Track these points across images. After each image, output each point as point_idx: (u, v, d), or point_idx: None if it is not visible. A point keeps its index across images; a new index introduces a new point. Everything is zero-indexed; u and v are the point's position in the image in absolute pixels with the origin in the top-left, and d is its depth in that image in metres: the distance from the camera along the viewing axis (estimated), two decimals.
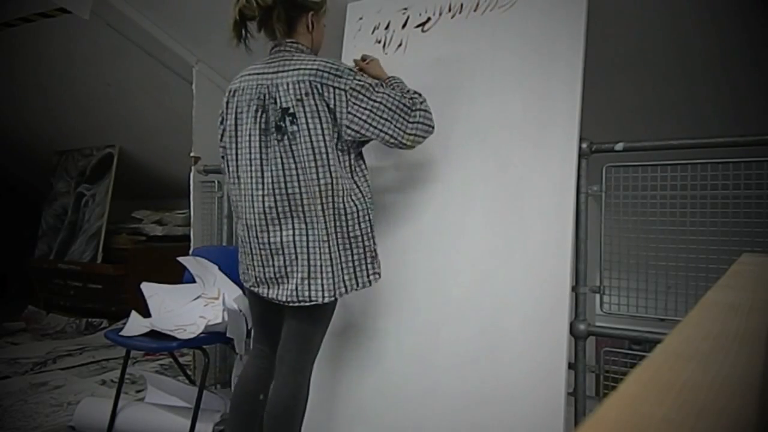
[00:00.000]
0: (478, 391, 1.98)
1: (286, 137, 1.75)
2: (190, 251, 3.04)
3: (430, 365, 2.09)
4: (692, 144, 1.97)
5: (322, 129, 1.74)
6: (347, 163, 1.82)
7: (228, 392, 2.80)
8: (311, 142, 1.73)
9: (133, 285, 2.95)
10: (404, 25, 2.38)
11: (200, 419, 2.43)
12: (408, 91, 1.93)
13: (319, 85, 1.73)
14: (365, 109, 1.76)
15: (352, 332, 2.24)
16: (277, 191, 1.78)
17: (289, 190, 1.77)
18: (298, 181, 1.76)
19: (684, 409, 0.35)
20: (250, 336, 2.62)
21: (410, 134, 1.83)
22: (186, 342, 2.40)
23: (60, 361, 4.02)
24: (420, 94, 1.91)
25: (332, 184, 1.76)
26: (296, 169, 1.76)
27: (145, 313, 2.62)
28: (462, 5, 2.25)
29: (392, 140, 1.82)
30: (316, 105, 1.73)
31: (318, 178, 1.75)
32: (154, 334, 2.45)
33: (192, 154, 3.22)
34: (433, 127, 1.89)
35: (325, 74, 1.74)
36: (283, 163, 1.77)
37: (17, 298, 5.72)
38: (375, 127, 1.77)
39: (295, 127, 1.74)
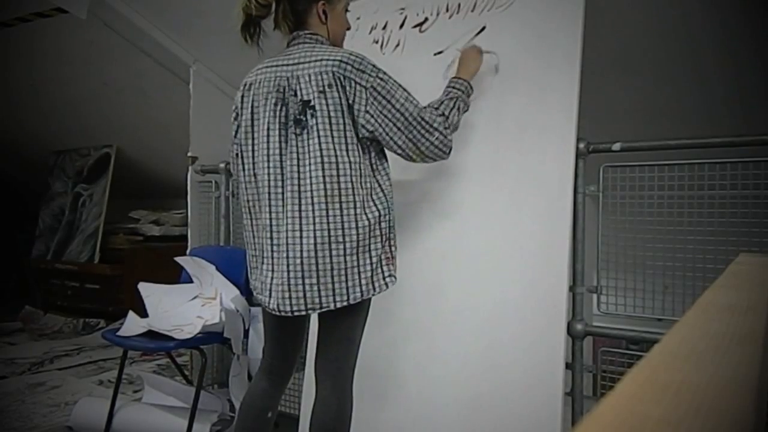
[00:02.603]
0: (475, 391, 1.98)
1: (305, 131, 1.64)
2: (188, 251, 3.03)
3: (427, 364, 2.09)
4: (689, 144, 1.97)
5: (345, 123, 1.64)
6: (369, 161, 1.72)
7: (225, 392, 2.80)
8: (332, 137, 1.63)
9: (130, 285, 2.95)
10: (402, 26, 2.37)
11: (197, 419, 2.43)
12: (438, 109, 1.78)
13: (341, 78, 1.63)
14: (381, 112, 1.65)
15: None
16: (290, 188, 1.66)
17: (302, 188, 1.65)
18: (311, 178, 1.63)
19: (681, 409, 0.35)
20: (247, 336, 2.63)
21: (423, 150, 1.73)
22: (183, 342, 2.40)
23: (57, 361, 4.02)
24: (446, 117, 1.77)
25: (353, 182, 1.65)
26: (310, 164, 1.63)
27: (143, 313, 2.62)
28: (459, 5, 2.25)
29: (400, 151, 1.72)
30: (339, 98, 1.63)
31: (338, 176, 1.63)
32: (151, 334, 2.45)
33: (189, 154, 3.21)
34: (447, 153, 1.78)
35: (348, 67, 1.64)
36: (299, 159, 1.65)
37: (14, 298, 5.71)
38: (387, 133, 1.68)
39: (314, 121, 1.63)
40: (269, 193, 1.71)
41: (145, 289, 2.69)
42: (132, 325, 2.52)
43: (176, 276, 2.83)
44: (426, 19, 2.32)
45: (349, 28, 1.90)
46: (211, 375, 3.14)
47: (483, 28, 2.18)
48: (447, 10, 2.28)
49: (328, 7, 1.77)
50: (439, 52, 2.25)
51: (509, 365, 1.94)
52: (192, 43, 3.35)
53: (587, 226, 2.03)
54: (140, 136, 4.91)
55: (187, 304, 2.67)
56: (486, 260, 2.05)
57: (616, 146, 2.02)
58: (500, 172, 2.07)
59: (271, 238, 1.71)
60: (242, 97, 1.79)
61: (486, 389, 1.97)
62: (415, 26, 2.34)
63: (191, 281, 2.76)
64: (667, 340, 0.50)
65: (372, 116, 1.65)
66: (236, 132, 1.81)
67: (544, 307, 1.92)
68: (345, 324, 1.76)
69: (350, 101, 1.64)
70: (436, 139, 1.72)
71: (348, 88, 1.63)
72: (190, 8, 3.15)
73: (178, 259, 2.78)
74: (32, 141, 5.63)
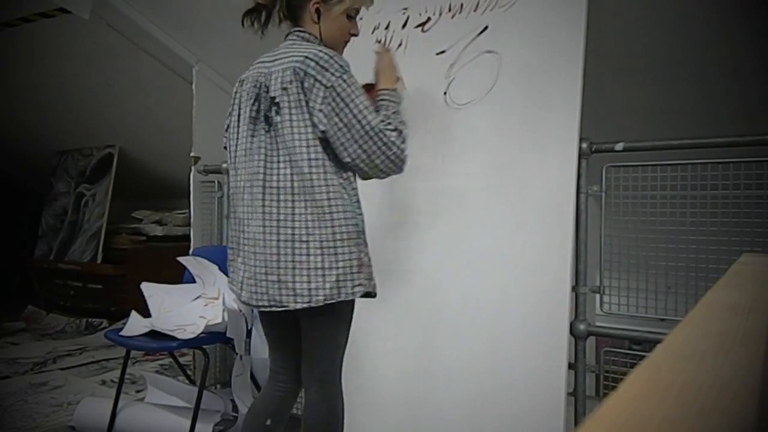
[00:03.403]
0: (477, 391, 1.98)
1: (271, 128, 1.64)
2: (190, 251, 3.04)
3: (430, 365, 2.09)
4: (692, 144, 1.97)
5: (305, 121, 1.60)
6: (333, 161, 1.65)
7: (228, 392, 2.80)
8: (293, 134, 1.61)
9: (133, 285, 2.95)
10: (404, 25, 2.38)
11: (200, 419, 2.43)
12: (388, 120, 1.68)
13: (302, 73, 1.60)
14: (336, 114, 1.60)
15: None
16: (257, 184, 1.66)
17: (267, 184, 1.65)
18: (278, 174, 1.63)
19: (684, 409, 0.35)
20: (250, 336, 2.63)
21: (378, 164, 1.65)
22: (186, 342, 2.40)
23: (60, 361, 4.02)
24: (399, 132, 1.68)
25: (318, 181, 1.62)
26: (278, 162, 1.63)
27: (145, 313, 2.62)
28: (462, 5, 2.25)
29: (349, 160, 1.63)
30: (298, 95, 1.60)
31: (301, 173, 1.61)
32: (154, 334, 2.45)
33: (192, 154, 3.22)
34: (401, 169, 1.71)
35: (312, 63, 1.60)
36: (266, 155, 1.65)
37: (17, 298, 5.72)
38: (339, 139, 1.61)
39: (278, 118, 1.62)
40: (243, 188, 1.73)
41: (148, 289, 2.69)
42: (135, 325, 2.52)
43: (179, 276, 2.83)
44: (428, 19, 2.32)
45: (354, 34, 1.83)
46: (214, 375, 3.14)
47: (485, 28, 2.18)
48: (449, 10, 2.28)
49: (323, 7, 1.73)
50: (442, 52, 2.25)
51: (511, 365, 1.94)
52: (195, 43, 3.35)
53: (590, 226, 2.03)
54: (143, 136, 4.92)
55: (190, 304, 2.67)
56: (488, 260, 2.05)
57: (619, 146, 2.01)
58: (503, 172, 2.07)
59: (243, 232, 1.74)
60: (235, 92, 1.81)
61: (488, 389, 1.97)
62: (418, 26, 2.34)
63: (194, 281, 2.76)
64: (670, 340, 0.50)
65: (325, 116, 1.60)
66: (227, 126, 1.84)
67: (547, 307, 1.92)
68: (325, 327, 1.73)
69: (307, 98, 1.60)
70: (393, 153, 1.66)
71: (306, 84, 1.60)
72: (192, 8, 3.15)
73: (180, 259, 2.79)
74: (35, 141, 5.64)
